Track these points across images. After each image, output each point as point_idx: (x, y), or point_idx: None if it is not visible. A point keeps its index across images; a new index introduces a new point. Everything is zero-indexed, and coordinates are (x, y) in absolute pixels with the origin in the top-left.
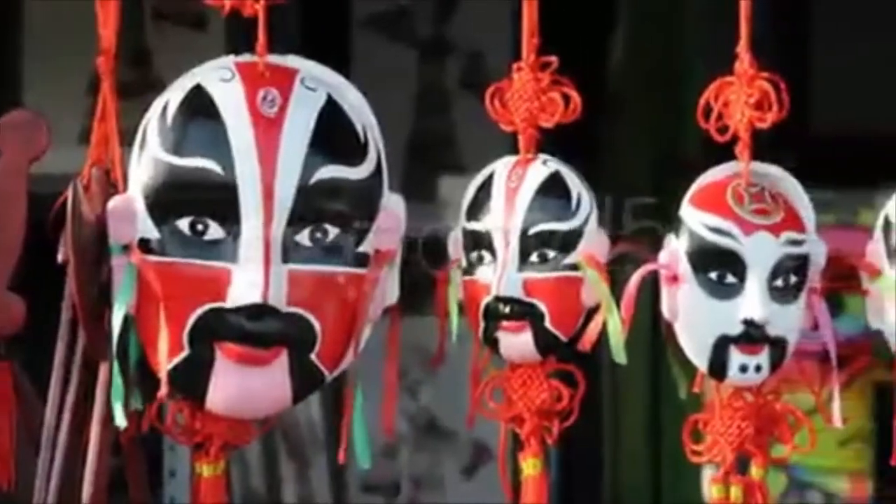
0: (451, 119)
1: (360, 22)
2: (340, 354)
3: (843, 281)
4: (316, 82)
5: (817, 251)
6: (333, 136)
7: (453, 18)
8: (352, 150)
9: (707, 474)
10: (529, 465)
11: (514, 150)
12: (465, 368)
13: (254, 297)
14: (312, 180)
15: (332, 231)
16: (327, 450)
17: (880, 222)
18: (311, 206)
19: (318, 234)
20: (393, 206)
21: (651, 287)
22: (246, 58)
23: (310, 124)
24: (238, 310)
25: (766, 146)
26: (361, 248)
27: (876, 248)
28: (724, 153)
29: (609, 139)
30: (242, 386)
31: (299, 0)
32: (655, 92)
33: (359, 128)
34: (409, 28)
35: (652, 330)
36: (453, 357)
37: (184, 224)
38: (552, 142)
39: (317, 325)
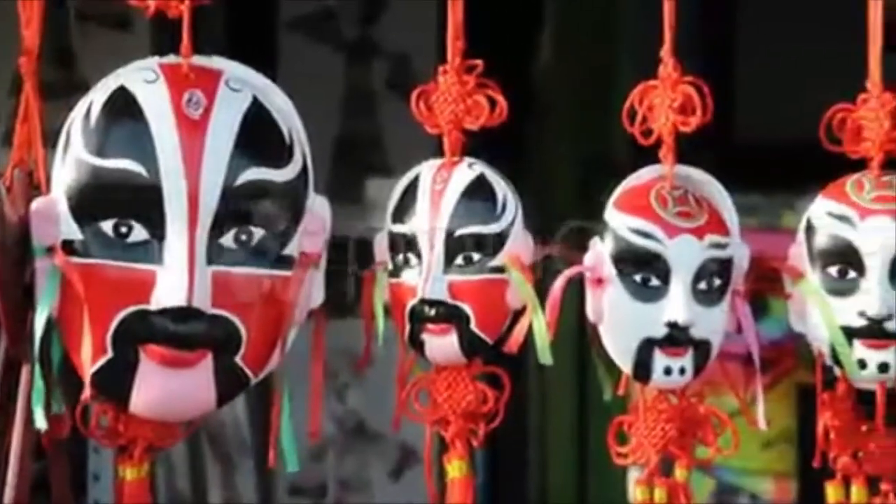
0: (377, 121)
1: (286, 24)
2: (266, 357)
3: (767, 284)
4: (241, 84)
5: (740, 254)
6: (258, 137)
7: (380, 21)
8: (277, 151)
9: (633, 476)
10: (454, 468)
11: (441, 153)
12: (393, 371)
13: (178, 299)
14: (237, 182)
15: (258, 233)
16: (254, 452)
17: (802, 226)
18: (235, 208)
19: (243, 237)
20: (318, 208)
21: (577, 289)
22: (170, 59)
23: (235, 126)
24: (162, 312)
25: (690, 150)
26: (287, 251)
27: (798, 252)
28: (651, 156)
29: (536, 142)
30: (166, 388)
31: (225, 2)
32: (583, 95)
33: (284, 130)
34: (335, 30)
35: (578, 332)
36: (381, 360)
37: (107, 226)
38: (479, 144)
39: (242, 328)
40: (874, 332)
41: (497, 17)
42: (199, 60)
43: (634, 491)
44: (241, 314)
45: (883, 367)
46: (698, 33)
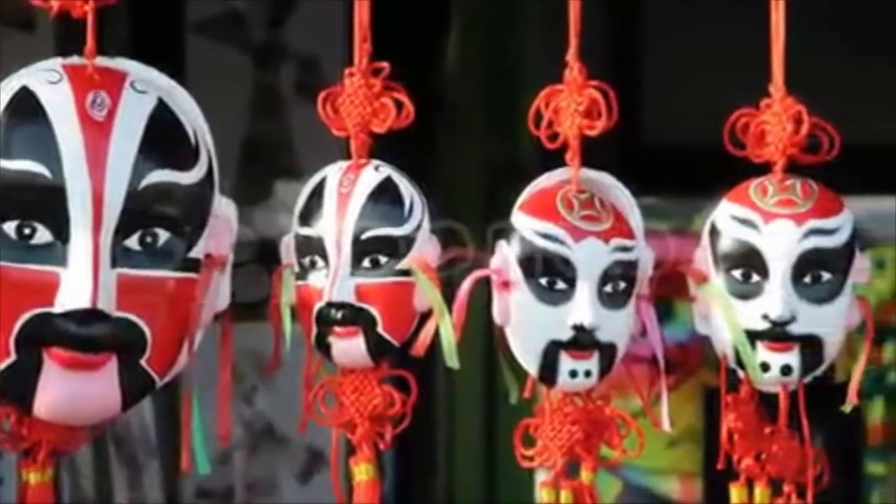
0: (285, 123)
1: (193, 25)
2: (171, 360)
3: (672, 287)
4: (146, 85)
5: (646, 258)
6: (164, 139)
7: (287, 23)
8: (183, 154)
9: (540, 478)
10: (361, 471)
11: (349, 155)
12: (301, 374)
13: (83, 301)
14: (142, 184)
15: (163, 236)
16: (160, 455)
17: (707, 229)
18: (141, 210)
19: (149, 239)
20: (224, 210)
21: (485, 292)
22: (74, 60)
23: (139, 128)
24: (66, 315)
25: (598, 153)
26: (192, 253)
27: (703, 255)
28: (560, 159)
29: (444, 145)
30: (71, 392)
31: (130, 2)
32: (490, 98)
33: (190, 132)
34: (242, 32)
35: (486, 335)
36: (288, 363)
37: (10, 227)
38: (386, 147)
39: (147, 331)
40: (777, 334)
41: (404, 20)
42: (104, 61)
43: (540, 493)
44: (146, 317)
45: (786, 370)
46: (606, 37)
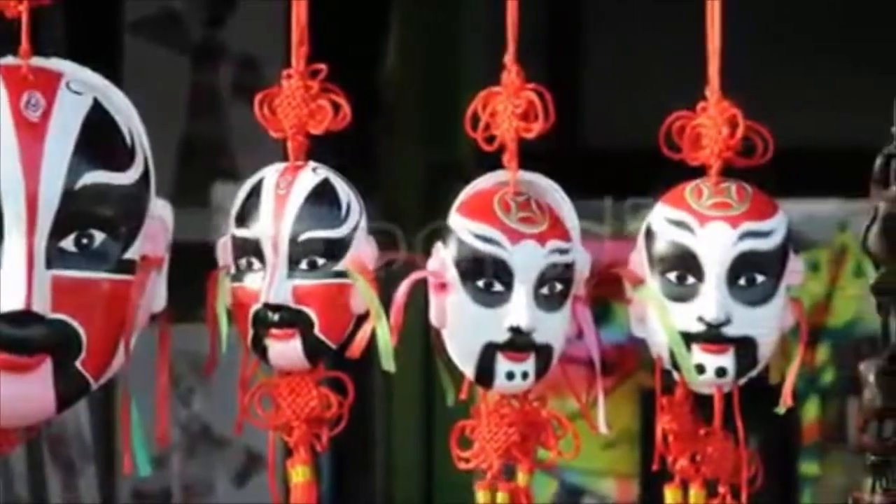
0: (223, 125)
1: (131, 25)
2: (106, 362)
3: (608, 289)
4: (82, 86)
5: (582, 260)
6: (99, 140)
7: (226, 23)
8: (118, 155)
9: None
10: (298, 473)
11: (287, 157)
12: (238, 376)
13: (17, 303)
14: (78, 185)
15: (99, 237)
16: (96, 457)
17: (642, 232)
18: (76, 211)
19: (84, 240)
20: (160, 211)
21: (423, 294)
22: (9, 60)
23: (75, 129)
24: (1, 316)
25: (536, 156)
26: (128, 255)
27: (638, 257)
28: (499, 161)
29: (382, 146)
30: (5, 393)
31: (66, 2)
32: (429, 100)
33: (126, 133)
34: (180, 32)
35: (423, 337)
36: (225, 364)
37: None
38: (325, 149)
39: (82, 333)
40: (712, 336)
41: (343, 22)
42: (39, 62)
43: (477, 494)
44: (82, 318)
45: (720, 372)
46: (544, 40)
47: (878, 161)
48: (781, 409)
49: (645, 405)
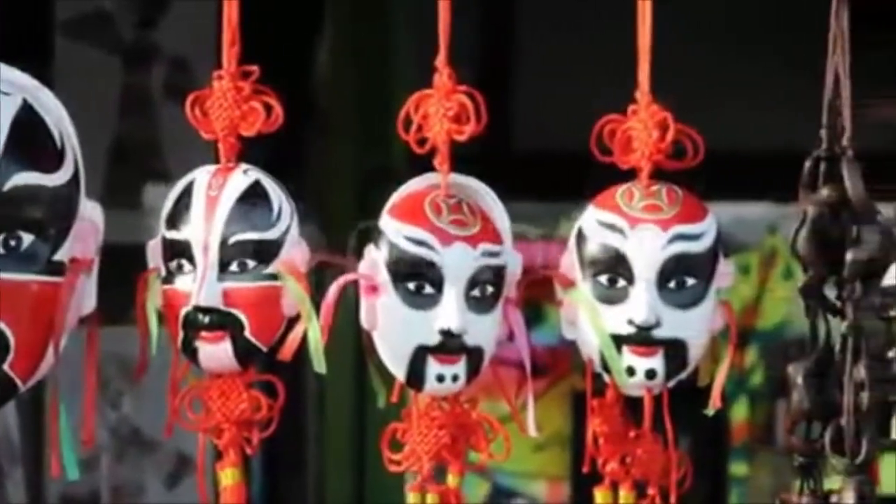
0: (154, 126)
1: (62, 25)
2: (35, 364)
3: (540, 291)
4: (10, 86)
5: (513, 262)
6: (28, 141)
7: (158, 24)
8: (48, 156)
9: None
10: (227, 476)
11: (219, 158)
12: (168, 378)
13: None
14: (6, 187)
15: (27, 238)
16: (23, 460)
17: (573, 234)
18: (4, 213)
19: (12, 242)
20: (90, 213)
21: (355, 296)
22: None
23: (3, 129)
24: None
25: (469, 159)
26: (57, 256)
27: (569, 260)
28: (431, 164)
29: (315, 148)
30: None
31: None
32: (363, 102)
33: (56, 133)
34: (112, 32)
35: (355, 339)
36: (156, 367)
37: None
38: (258, 151)
39: (10, 335)
40: (642, 339)
41: (276, 23)
42: None
43: (408, 496)
44: (9, 320)
45: (650, 374)
46: (476, 43)
47: (807, 164)
48: (710, 411)
49: (576, 407)
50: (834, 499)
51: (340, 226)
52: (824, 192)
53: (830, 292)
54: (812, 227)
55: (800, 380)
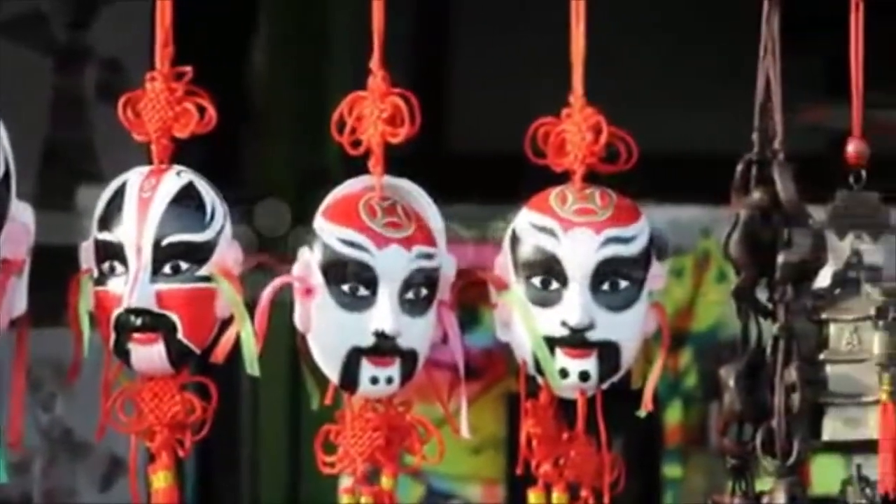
0: (87, 127)
1: None
2: None
3: (475, 294)
4: None
5: (448, 264)
6: None
7: (91, 25)
8: None
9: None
10: (160, 479)
11: (152, 160)
12: (101, 380)
13: None
14: None
15: None
16: None
17: (508, 237)
18: None
19: None
20: (22, 215)
21: (290, 298)
22: None
23: None
24: None
25: (404, 161)
26: None
27: (504, 263)
28: (366, 166)
29: (250, 150)
30: None
31: None
32: (298, 104)
33: None
34: (45, 34)
35: (290, 341)
36: (89, 369)
37: None
38: (192, 152)
39: None
40: (575, 341)
41: (211, 25)
42: None
43: (342, 498)
44: None
45: (584, 376)
46: (412, 45)
47: (739, 168)
48: (642, 413)
49: (511, 410)
50: (765, 500)
51: (275, 227)
52: (756, 195)
53: (762, 295)
54: (744, 230)
55: (731, 382)
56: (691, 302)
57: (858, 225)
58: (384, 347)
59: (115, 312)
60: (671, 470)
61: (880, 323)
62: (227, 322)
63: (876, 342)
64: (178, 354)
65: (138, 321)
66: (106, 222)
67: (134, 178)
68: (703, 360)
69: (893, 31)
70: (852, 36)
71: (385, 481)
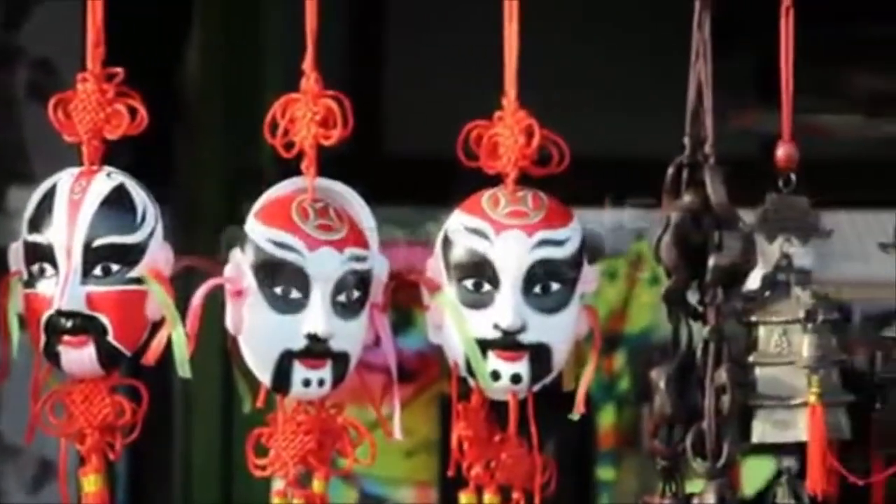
0: (18, 128)
1: None
2: None
3: (407, 296)
4: None
5: (380, 267)
6: None
7: (22, 26)
8: None
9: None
10: (90, 482)
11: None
12: (30, 383)
13: None
14: None
15: None
16: None
17: (440, 239)
18: None
19: None
20: None
21: (222, 300)
22: None
23: None
24: None
25: (338, 163)
26: None
27: (436, 265)
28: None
29: (183, 151)
30: None
31: None
32: (231, 105)
33: None
34: None
35: (222, 343)
36: (19, 371)
37: None
38: (124, 154)
39: None
40: (507, 343)
41: (143, 24)
42: None
43: (273, 502)
44: None
45: (516, 378)
46: (347, 47)
47: (670, 171)
48: (574, 416)
49: (444, 412)
50: (695, 501)
51: (207, 229)
52: (687, 198)
53: (693, 297)
54: (675, 233)
55: (662, 384)
56: (625, 304)
57: (788, 228)
58: (316, 350)
59: (45, 315)
60: (604, 472)
61: (809, 326)
62: (158, 324)
63: (805, 345)
64: (108, 357)
65: (68, 323)
66: (36, 224)
67: (64, 179)
68: (637, 362)
69: (823, 35)
70: (782, 41)
71: (317, 484)
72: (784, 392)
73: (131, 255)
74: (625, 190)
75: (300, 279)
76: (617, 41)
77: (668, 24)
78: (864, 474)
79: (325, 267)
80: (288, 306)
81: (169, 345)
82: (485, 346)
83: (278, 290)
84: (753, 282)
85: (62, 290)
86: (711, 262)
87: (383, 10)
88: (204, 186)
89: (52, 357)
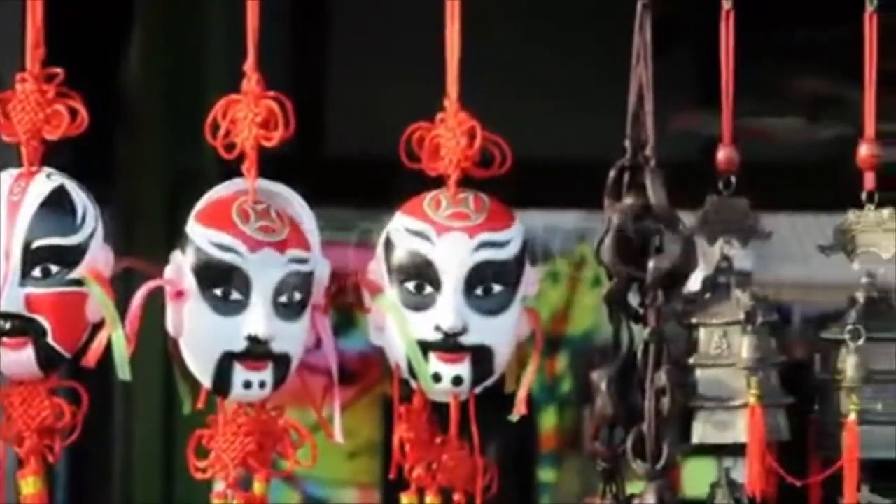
0: None
1: None
2: None
3: (349, 298)
4: None
5: (322, 269)
6: None
7: None
8: None
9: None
10: (29, 484)
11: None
12: None
13: None
14: None
15: None
16: None
17: (382, 241)
18: None
19: None
20: None
21: (163, 302)
22: None
23: None
24: None
25: (281, 164)
26: None
27: (377, 267)
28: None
29: (124, 152)
30: None
31: None
32: (173, 106)
33: None
34: None
35: (162, 345)
36: None
37: None
38: (65, 155)
39: None
40: (449, 345)
41: (84, 24)
42: None
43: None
44: None
45: (457, 380)
46: (288, 49)
47: (612, 173)
48: (515, 417)
49: (386, 414)
50: (636, 502)
51: (149, 230)
52: (628, 200)
53: (634, 299)
54: (616, 235)
55: (603, 386)
56: (567, 306)
57: (728, 230)
58: (257, 352)
59: None
60: (545, 473)
61: (749, 327)
62: (98, 326)
63: (744, 346)
64: (47, 359)
65: (7, 325)
66: None
67: (3, 180)
68: (579, 364)
69: (764, 39)
70: (723, 43)
71: (257, 486)
72: (724, 393)
73: (71, 256)
74: (567, 192)
75: (241, 281)
76: (560, 42)
77: (612, 25)
78: (801, 475)
79: (266, 269)
80: (228, 308)
81: (109, 346)
82: (426, 347)
83: (219, 291)
84: (694, 284)
85: (1, 291)
86: (652, 264)
87: (325, 11)
88: (145, 187)
89: None
